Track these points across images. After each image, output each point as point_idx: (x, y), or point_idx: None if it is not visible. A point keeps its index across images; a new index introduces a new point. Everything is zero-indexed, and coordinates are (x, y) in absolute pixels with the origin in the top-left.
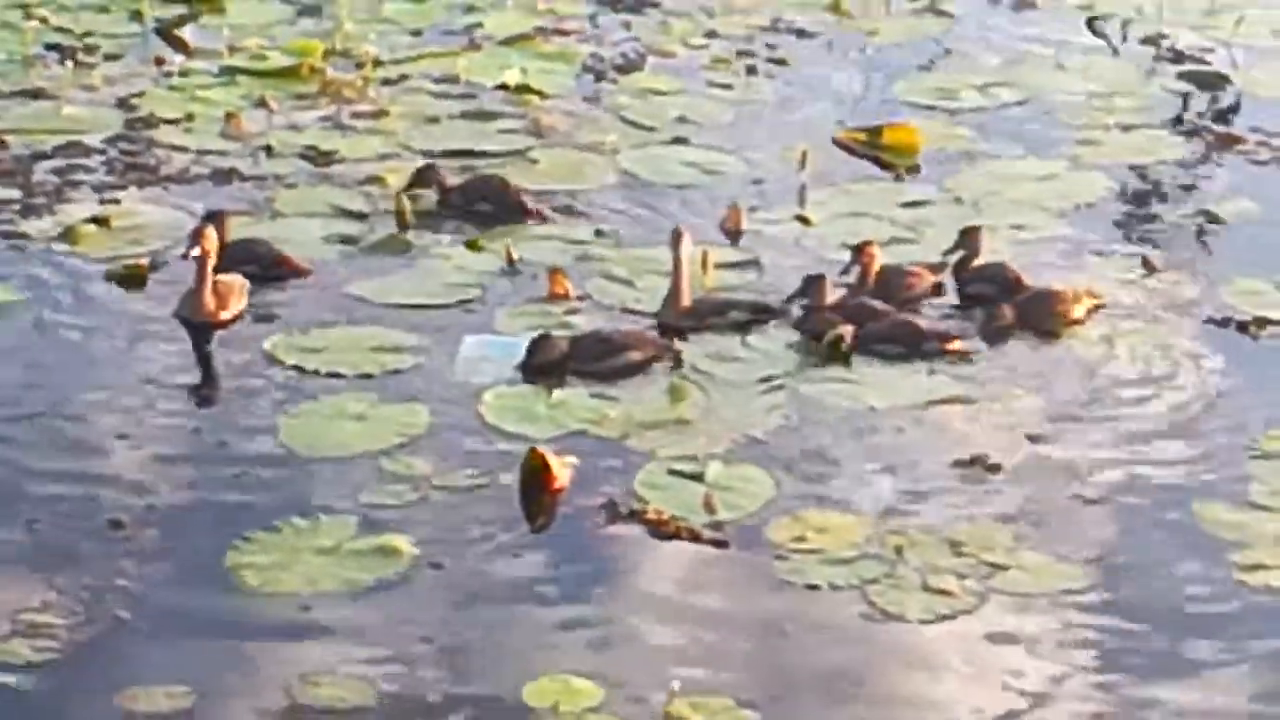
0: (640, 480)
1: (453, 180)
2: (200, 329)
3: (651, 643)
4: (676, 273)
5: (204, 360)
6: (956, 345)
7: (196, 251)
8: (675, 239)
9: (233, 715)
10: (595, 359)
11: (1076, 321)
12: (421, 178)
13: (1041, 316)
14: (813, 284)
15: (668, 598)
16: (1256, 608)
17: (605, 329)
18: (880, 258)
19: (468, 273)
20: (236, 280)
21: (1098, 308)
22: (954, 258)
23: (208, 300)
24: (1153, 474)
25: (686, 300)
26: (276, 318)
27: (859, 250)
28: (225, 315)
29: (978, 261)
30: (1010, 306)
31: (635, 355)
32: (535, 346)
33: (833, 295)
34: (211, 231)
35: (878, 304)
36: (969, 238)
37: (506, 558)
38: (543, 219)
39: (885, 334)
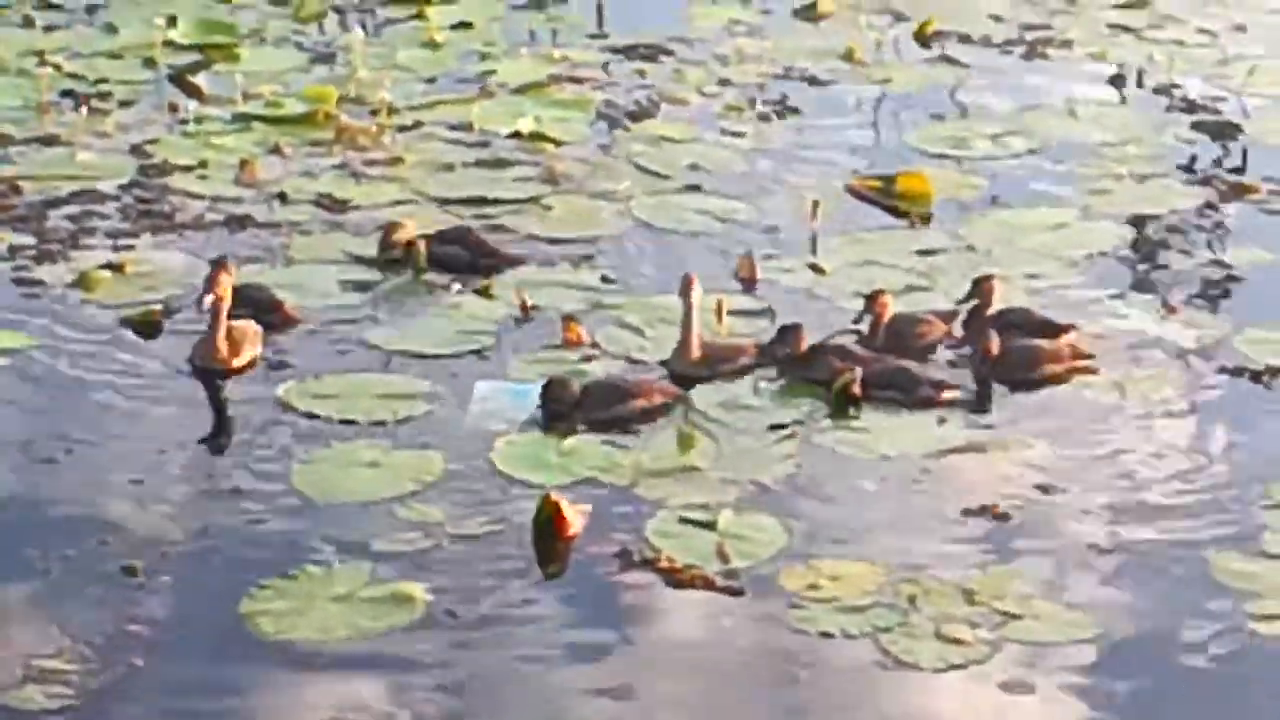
0: (652, 529)
1: (423, 234)
2: (214, 375)
3: (665, 690)
4: (687, 321)
5: (217, 407)
6: (951, 395)
7: (210, 300)
8: (685, 287)
9: None
10: (605, 406)
11: (1055, 379)
12: (389, 239)
13: (1019, 370)
14: (789, 333)
15: (682, 646)
16: (1271, 658)
17: (615, 376)
18: (893, 307)
19: (481, 320)
20: (250, 327)
21: (1082, 368)
22: (967, 307)
23: (221, 347)
24: (1166, 523)
25: (697, 349)
26: (290, 364)
27: (871, 299)
28: (239, 362)
29: (999, 308)
30: (997, 340)
31: (644, 403)
32: (549, 388)
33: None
34: (226, 278)
35: (859, 350)
36: (981, 287)
37: (520, 605)
38: (517, 262)
39: (880, 379)
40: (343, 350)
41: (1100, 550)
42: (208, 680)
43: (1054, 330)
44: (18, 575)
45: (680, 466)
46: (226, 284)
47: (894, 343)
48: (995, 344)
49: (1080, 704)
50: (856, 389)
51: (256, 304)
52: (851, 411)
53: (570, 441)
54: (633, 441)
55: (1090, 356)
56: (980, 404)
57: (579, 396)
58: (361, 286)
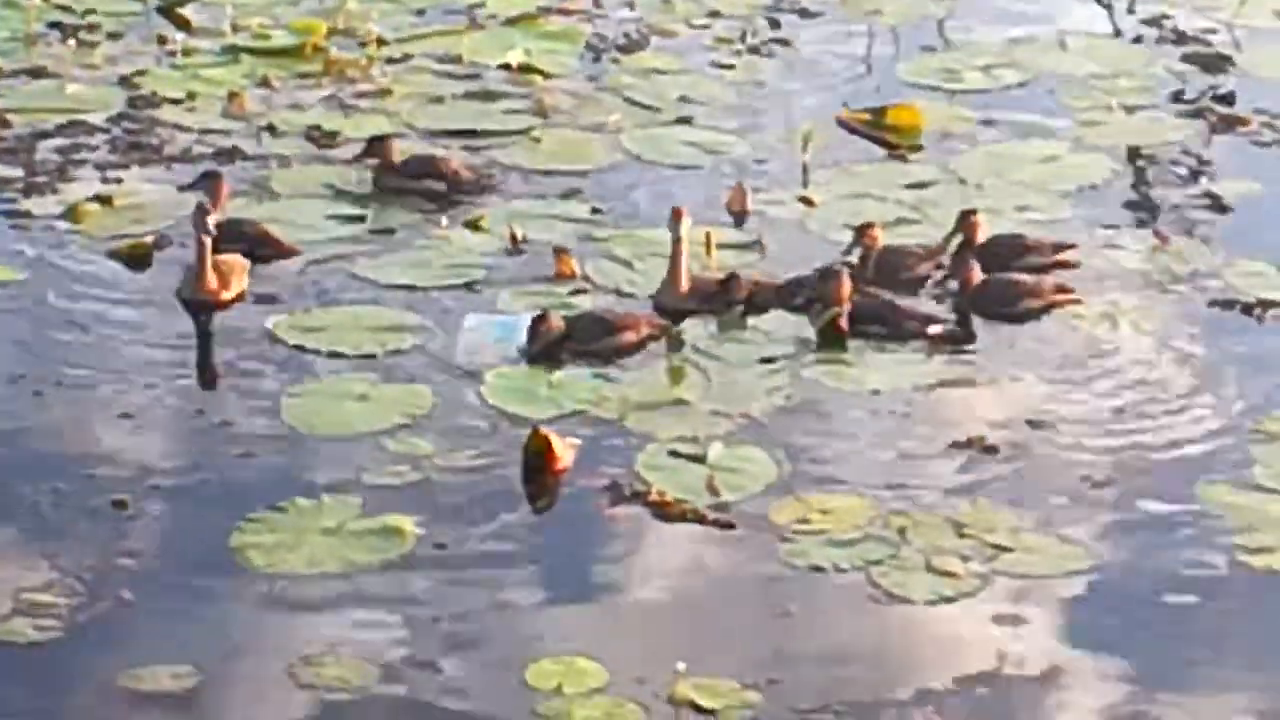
0: (642, 462)
1: (398, 157)
2: (202, 308)
3: (656, 624)
4: (675, 254)
5: (206, 340)
6: (937, 329)
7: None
8: (674, 219)
9: (236, 695)
10: (593, 339)
11: (1036, 311)
12: (372, 149)
13: (1000, 304)
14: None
15: (672, 579)
16: (1260, 590)
17: (602, 309)
18: (882, 239)
19: (471, 252)
20: (238, 260)
21: (1064, 300)
22: (955, 242)
23: (210, 279)
24: (1156, 455)
25: (685, 282)
26: (278, 297)
27: (861, 231)
28: (227, 295)
29: (986, 236)
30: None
31: (632, 336)
32: (534, 326)
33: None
34: (224, 186)
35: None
36: (966, 221)
37: (509, 538)
38: (486, 187)
39: (867, 313)
40: (331, 283)
41: (1090, 482)
42: (197, 612)
43: (1053, 249)
44: (7, 509)
45: (669, 399)
46: (224, 191)
47: (883, 275)
48: (976, 274)
49: (1071, 636)
50: (843, 323)
51: (247, 237)
52: (838, 346)
53: (559, 375)
54: (622, 374)
55: (1070, 290)
56: (961, 337)
57: (563, 333)
58: (351, 219)
